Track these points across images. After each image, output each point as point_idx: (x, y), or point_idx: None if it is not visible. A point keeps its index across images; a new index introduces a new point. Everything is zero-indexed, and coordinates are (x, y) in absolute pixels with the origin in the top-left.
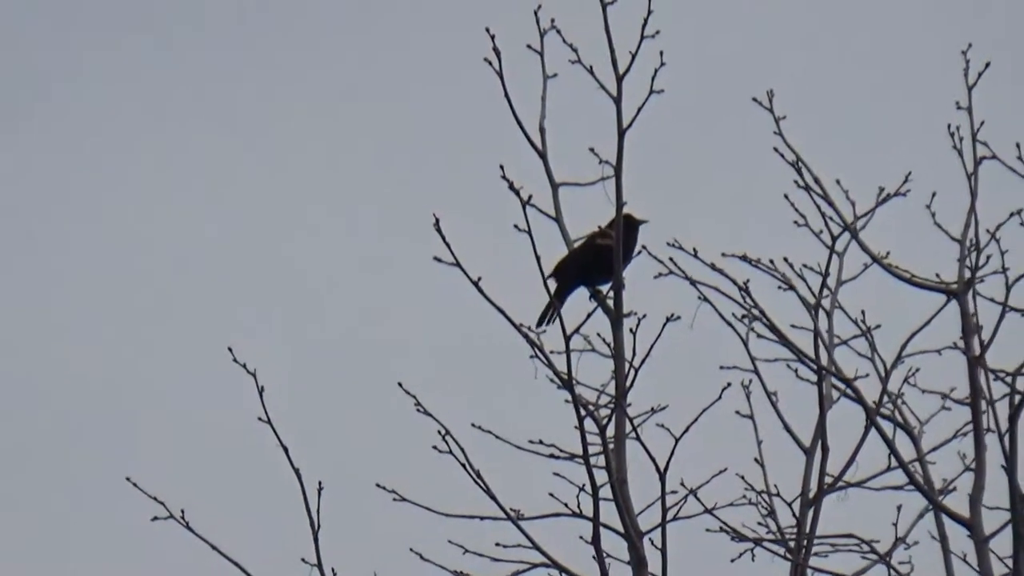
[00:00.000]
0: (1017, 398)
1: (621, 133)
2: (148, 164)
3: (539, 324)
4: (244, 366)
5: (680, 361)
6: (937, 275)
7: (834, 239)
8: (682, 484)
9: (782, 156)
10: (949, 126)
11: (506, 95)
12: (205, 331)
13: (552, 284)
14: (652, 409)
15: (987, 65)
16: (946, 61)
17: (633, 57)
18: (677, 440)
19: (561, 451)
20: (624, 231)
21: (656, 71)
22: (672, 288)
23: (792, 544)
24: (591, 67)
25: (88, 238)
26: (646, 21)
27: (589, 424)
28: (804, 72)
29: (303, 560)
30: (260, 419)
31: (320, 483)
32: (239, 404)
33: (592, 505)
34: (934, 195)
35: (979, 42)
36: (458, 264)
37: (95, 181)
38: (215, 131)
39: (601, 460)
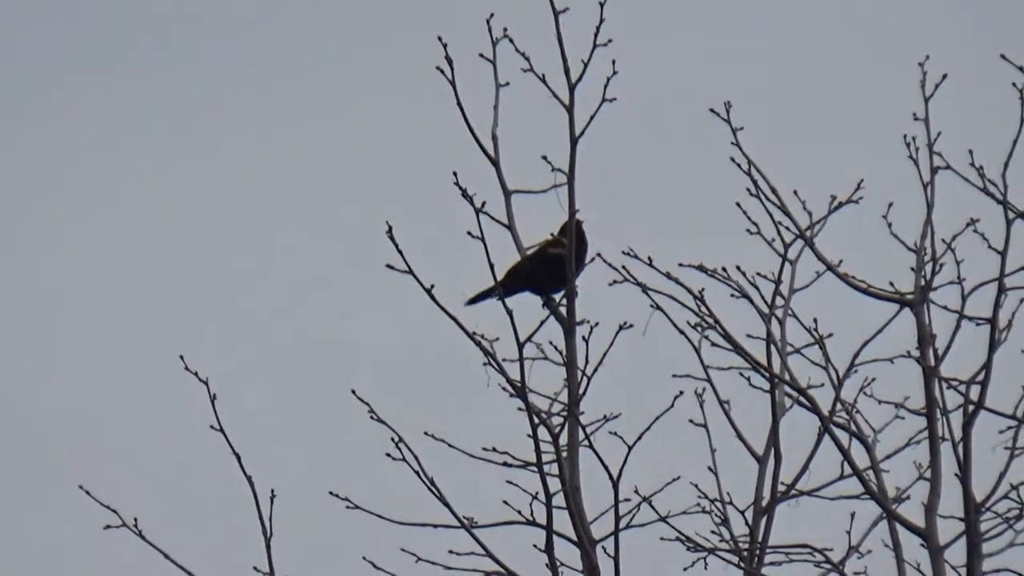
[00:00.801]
0: (971, 408)
1: (574, 141)
2: (98, 172)
3: (470, 302)
4: (196, 374)
5: (633, 369)
6: (891, 284)
7: (786, 247)
8: (636, 492)
9: (739, 166)
10: (905, 136)
11: (459, 103)
12: (157, 338)
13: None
14: (605, 417)
15: (944, 76)
16: (903, 72)
17: (585, 66)
18: (630, 448)
19: (514, 459)
20: (577, 239)
21: (608, 79)
22: (625, 296)
23: (746, 553)
24: (543, 76)
25: (36, 242)
26: (598, 29)
27: (542, 432)
28: (760, 81)
29: (255, 568)
30: (212, 427)
31: (272, 491)
32: (191, 412)
33: (545, 513)
34: (891, 205)
35: (936, 53)
36: (411, 271)
37: (43, 184)
38: (165, 141)
39: (554, 468)
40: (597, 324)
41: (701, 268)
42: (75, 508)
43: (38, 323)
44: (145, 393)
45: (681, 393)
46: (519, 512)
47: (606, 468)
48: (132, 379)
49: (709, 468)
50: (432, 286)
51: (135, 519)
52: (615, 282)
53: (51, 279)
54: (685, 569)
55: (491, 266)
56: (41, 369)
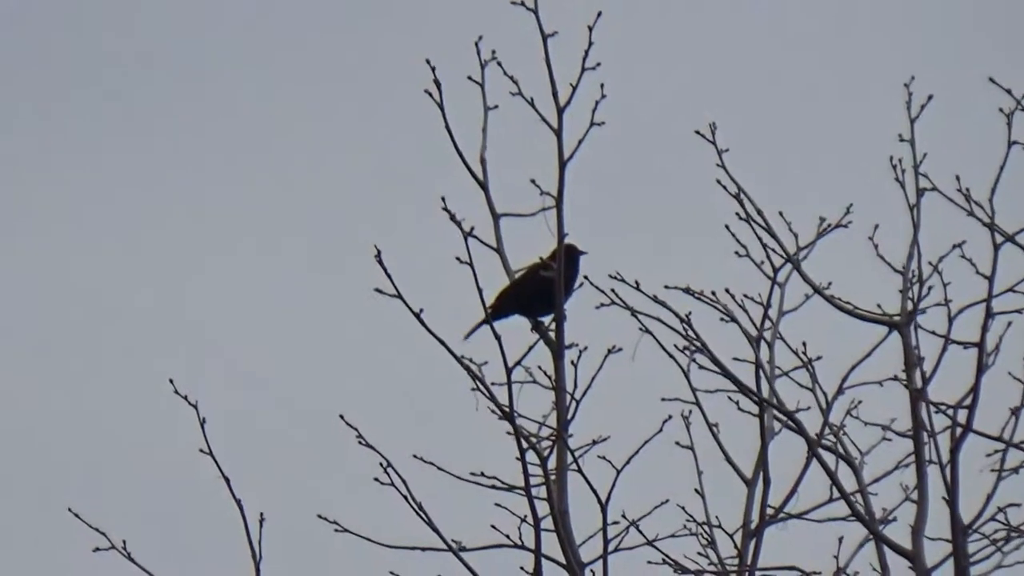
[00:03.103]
0: (959, 431)
1: (562, 165)
2: (79, 196)
3: (467, 336)
4: (185, 398)
5: (621, 393)
6: (879, 306)
7: (775, 270)
8: (624, 516)
9: (725, 188)
10: (891, 158)
11: (447, 126)
12: (146, 362)
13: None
14: (593, 441)
15: (930, 98)
16: (889, 93)
17: (574, 89)
18: (618, 472)
19: (503, 483)
20: (566, 262)
21: (597, 103)
22: (614, 320)
23: None
24: (532, 99)
25: (23, 264)
26: (587, 53)
27: (531, 456)
28: (746, 102)
29: None
30: (202, 450)
31: (262, 514)
32: (181, 435)
33: (534, 536)
34: (876, 227)
35: (922, 74)
36: (399, 296)
37: (29, 205)
38: (153, 162)
39: (543, 491)
40: (586, 348)
41: (687, 291)
42: (64, 530)
43: (27, 346)
44: (135, 416)
45: (670, 417)
46: (507, 536)
47: (594, 492)
48: (121, 402)
49: (696, 491)
50: (421, 310)
51: (124, 541)
52: (602, 305)
53: (40, 302)
54: None
55: (479, 291)
56: (30, 392)
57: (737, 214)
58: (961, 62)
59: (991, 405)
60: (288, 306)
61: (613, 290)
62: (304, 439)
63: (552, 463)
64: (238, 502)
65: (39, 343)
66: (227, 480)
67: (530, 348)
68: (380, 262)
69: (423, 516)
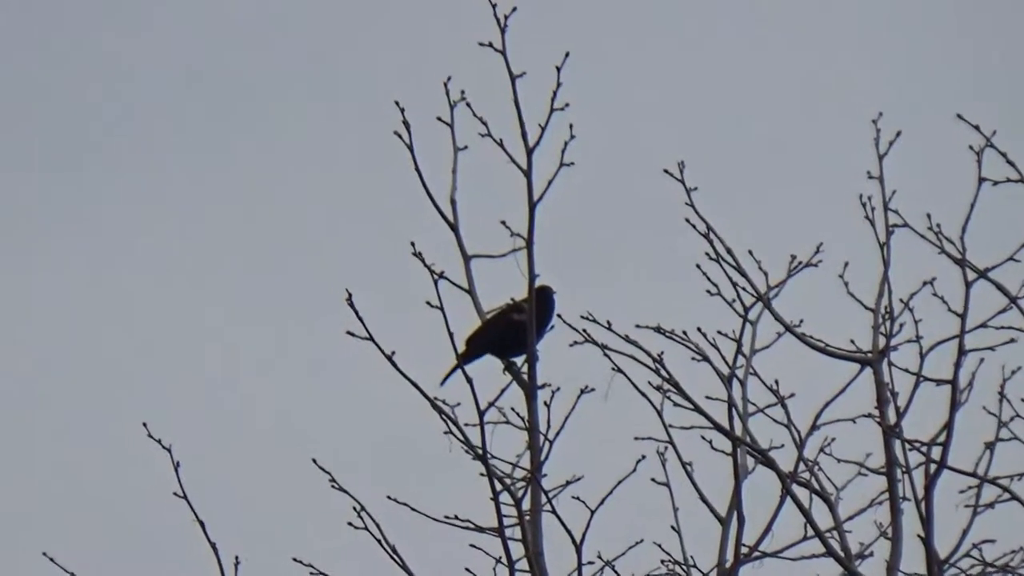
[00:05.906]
0: (933, 467)
1: (532, 206)
2: (59, 240)
3: (442, 383)
4: (159, 441)
5: (595, 433)
6: (852, 342)
7: (747, 309)
8: (599, 556)
9: (694, 227)
10: (861, 196)
11: (416, 168)
12: (121, 406)
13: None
14: (567, 481)
15: (898, 134)
16: (857, 130)
17: (543, 130)
18: (592, 512)
19: (476, 524)
20: (540, 303)
21: (566, 144)
22: (587, 360)
23: None
24: (501, 140)
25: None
26: (555, 94)
27: (505, 497)
28: (716, 142)
29: None
30: (176, 494)
31: (237, 557)
32: (155, 479)
33: None
34: (847, 265)
35: (890, 111)
36: (371, 338)
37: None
38: (130, 207)
39: (517, 533)
40: (559, 388)
41: (658, 330)
42: (39, 574)
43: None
44: (109, 460)
45: (643, 457)
46: None
47: (569, 532)
48: (96, 446)
49: (672, 527)
50: (393, 352)
51: None
52: (575, 343)
53: (13, 347)
54: None
55: (451, 335)
56: (3, 434)
57: (707, 253)
58: (929, 99)
59: (966, 440)
60: (261, 349)
61: (585, 330)
62: (279, 482)
63: (526, 504)
64: (213, 545)
65: (11, 387)
66: (202, 523)
67: (503, 390)
68: (351, 305)
69: (397, 559)
